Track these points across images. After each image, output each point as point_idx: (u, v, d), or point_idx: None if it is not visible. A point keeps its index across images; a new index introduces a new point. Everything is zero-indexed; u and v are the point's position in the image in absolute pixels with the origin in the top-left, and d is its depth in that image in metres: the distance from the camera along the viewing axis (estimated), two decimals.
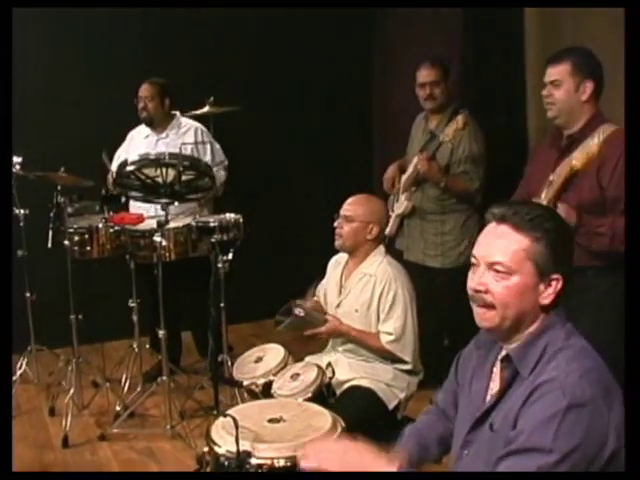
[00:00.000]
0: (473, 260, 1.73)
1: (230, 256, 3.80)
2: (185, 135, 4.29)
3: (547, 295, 1.67)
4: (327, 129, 5.50)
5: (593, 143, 2.51)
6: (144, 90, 4.28)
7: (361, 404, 2.80)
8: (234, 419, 2.02)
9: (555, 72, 2.77)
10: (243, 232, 3.78)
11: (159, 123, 4.33)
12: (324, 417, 2.26)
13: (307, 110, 5.46)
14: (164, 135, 4.33)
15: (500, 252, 1.67)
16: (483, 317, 1.71)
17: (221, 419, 2.23)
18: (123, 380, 4.16)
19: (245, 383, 2.92)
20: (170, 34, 5.02)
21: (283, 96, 5.35)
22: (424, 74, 3.97)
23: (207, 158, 4.17)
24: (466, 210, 4.01)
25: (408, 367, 2.92)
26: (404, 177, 4.11)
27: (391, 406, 2.89)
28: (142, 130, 4.42)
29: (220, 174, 4.22)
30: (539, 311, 1.68)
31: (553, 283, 1.66)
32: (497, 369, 1.76)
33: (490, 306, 1.68)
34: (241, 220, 3.78)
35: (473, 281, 1.71)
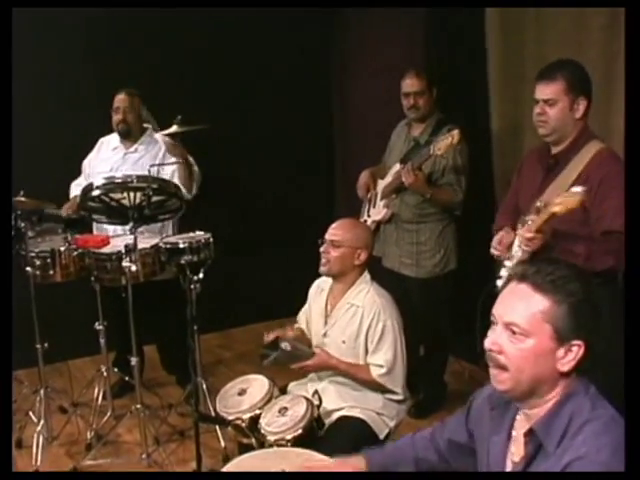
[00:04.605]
0: (492, 318, 1.66)
1: (201, 276, 3.69)
2: (154, 150, 4.10)
3: (567, 362, 1.59)
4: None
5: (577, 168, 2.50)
6: (122, 100, 4.06)
7: (353, 436, 2.69)
8: None
9: (549, 90, 2.68)
10: (213, 251, 3.67)
11: (133, 136, 4.13)
12: None
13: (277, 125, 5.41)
14: (133, 149, 4.13)
15: (517, 313, 1.60)
16: (497, 379, 1.65)
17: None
18: (92, 405, 3.98)
19: (230, 418, 2.82)
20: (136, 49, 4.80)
21: (249, 114, 5.26)
22: (408, 84, 3.91)
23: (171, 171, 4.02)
24: (442, 220, 3.95)
25: (399, 397, 2.85)
26: (383, 183, 4.05)
27: (382, 436, 2.82)
28: (111, 140, 4.20)
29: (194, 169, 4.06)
30: (558, 377, 1.60)
31: (574, 349, 1.58)
32: (516, 433, 1.71)
33: (504, 368, 1.62)
34: (211, 240, 3.64)
35: (489, 340, 1.65)
